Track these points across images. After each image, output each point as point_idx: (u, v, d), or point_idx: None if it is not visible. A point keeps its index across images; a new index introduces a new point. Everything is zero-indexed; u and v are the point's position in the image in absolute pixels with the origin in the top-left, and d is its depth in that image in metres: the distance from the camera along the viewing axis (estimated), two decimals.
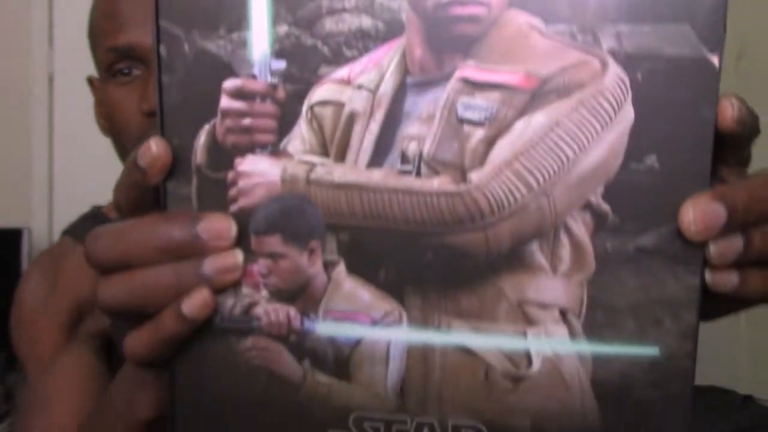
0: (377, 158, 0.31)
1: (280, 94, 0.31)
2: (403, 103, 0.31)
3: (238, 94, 0.31)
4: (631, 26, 0.28)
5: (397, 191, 0.31)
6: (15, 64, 2.97)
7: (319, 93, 0.31)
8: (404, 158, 0.31)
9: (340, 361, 0.33)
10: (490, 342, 0.31)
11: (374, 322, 0.32)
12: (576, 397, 0.31)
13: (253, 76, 0.31)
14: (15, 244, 2.77)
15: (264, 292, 0.33)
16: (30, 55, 2.97)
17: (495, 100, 0.30)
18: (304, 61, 0.31)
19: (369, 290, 0.32)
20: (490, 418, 0.32)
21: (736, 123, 0.28)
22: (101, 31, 0.78)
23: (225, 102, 0.31)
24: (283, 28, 0.31)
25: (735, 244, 0.29)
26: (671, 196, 0.29)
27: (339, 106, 0.31)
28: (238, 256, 0.32)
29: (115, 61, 0.75)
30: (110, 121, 0.78)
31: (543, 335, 0.31)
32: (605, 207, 0.30)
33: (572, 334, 0.31)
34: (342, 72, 0.31)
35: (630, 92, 0.29)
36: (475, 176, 0.30)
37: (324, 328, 0.33)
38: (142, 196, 0.33)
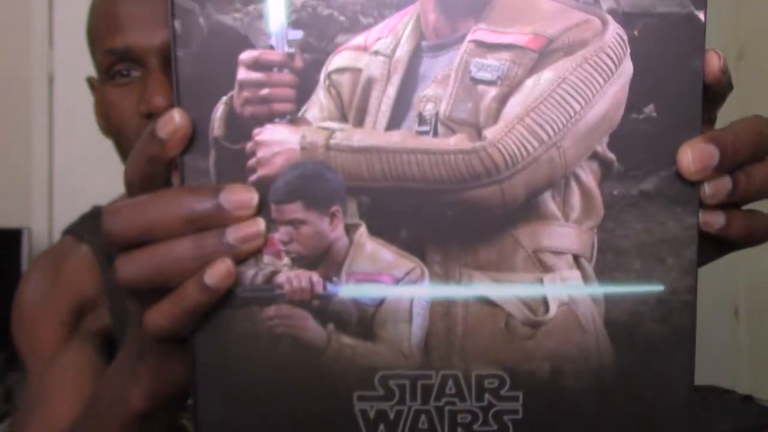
0: (395, 121, 0.33)
1: (298, 63, 0.32)
2: (419, 67, 0.32)
3: (255, 65, 0.32)
4: None
5: (415, 151, 0.32)
6: (15, 64, 2.95)
7: (337, 61, 0.32)
8: (421, 119, 0.32)
9: (364, 322, 0.34)
10: (509, 291, 0.33)
11: (397, 281, 0.33)
12: (591, 339, 0.33)
13: (271, 47, 0.32)
14: (15, 244, 2.75)
15: (286, 260, 0.33)
16: (30, 55, 2.94)
17: (506, 60, 0.32)
18: (320, 30, 0.32)
19: (390, 250, 0.33)
20: (511, 365, 0.33)
21: (722, 72, 0.32)
22: (99, 32, 0.78)
23: (242, 73, 0.32)
24: None
25: (725, 184, 0.32)
26: (669, 142, 0.32)
27: (356, 72, 0.33)
28: (261, 224, 0.33)
29: (113, 63, 0.75)
30: (109, 123, 0.78)
31: (558, 281, 0.33)
32: (611, 155, 0.32)
33: (585, 278, 0.33)
34: (358, 39, 0.32)
35: (628, 47, 0.31)
36: (489, 133, 0.32)
37: (347, 290, 0.33)
38: (156, 171, 0.33)
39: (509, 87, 0.32)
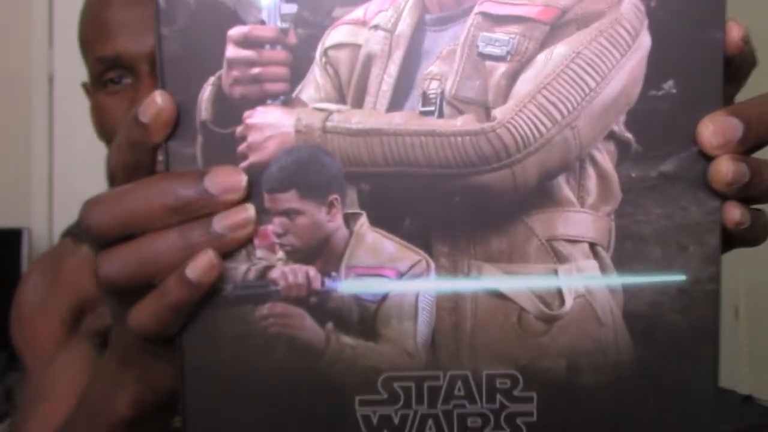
0: (397, 101, 0.30)
1: (292, 39, 0.30)
2: (422, 42, 0.30)
3: (245, 41, 0.30)
4: None
5: (419, 134, 0.30)
6: (15, 64, 2.94)
7: (334, 36, 0.30)
8: (425, 99, 0.30)
9: (366, 320, 0.31)
10: (522, 284, 0.31)
11: (401, 275, 0.31)
12: (609, 332, 0.31)
13: (262, 22, 0.30)
14: (15, 244, 2.75)
15: (280, 254, 0.31)
16: (30, 55, 2.94)
17: (515, 33, 0.30)
18: (316, 3, 0.30)
19: (394, 241, 0.31)
20: (525, 363, 0.31)
21: (743, 41, 0.30)
22: (89, 40, 0.77)
23: (231, 51, 0.30)
24: None
25: (743, 168, 0.30)
26: (689, 120, 0.30)
27: (355, 48, 0.30)
28: (250, 210, 0.30)
29: (104, 70, 0.74)
30: (102, 129, 0.78)
31: (574, 272, 0.31)
32: (628, 135, 0.30)
33: (602, 268, 0.31)
34: (357, 13, 0.30)
35: (646, 19, 0.29)
36: (499, 112, 0.30)
37: (347, 286, 0.31)
38: (141, 159, 0.31)
39: (519, 63, 0.30)
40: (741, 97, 0.33)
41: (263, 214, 0.31)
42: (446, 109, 0.30)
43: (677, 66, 0.30)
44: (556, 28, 0.29)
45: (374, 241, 0.31)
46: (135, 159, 0.31)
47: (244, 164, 0.30)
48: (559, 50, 0.29)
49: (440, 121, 0.30)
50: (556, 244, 0.31)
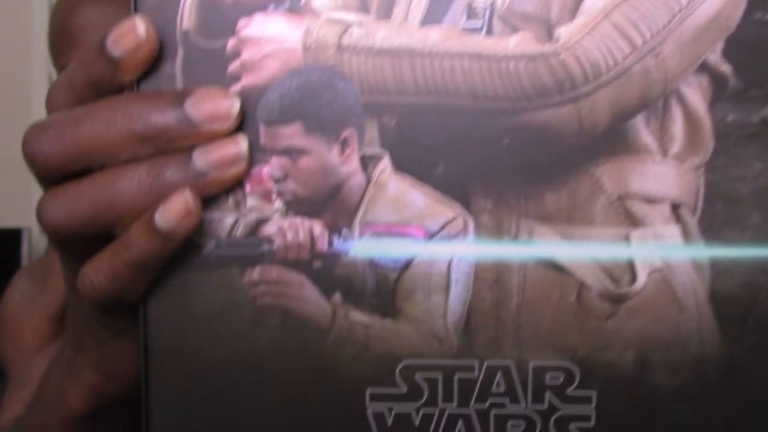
0: (434, 13, 0.24)
1: None
2: None
3: None
4: None
5: (461, 56, 0.24)
6: (15, 64, 2.81)
7: None
8: (471, 11, 0.24)
9: (384, 291, 0.25)
10: (584, 252, 0.24)
11: (430, 236, 0.24)
12: (692, 319, 0.25)
13: None
14: (15, 244, 2.61)
15: (278, 204, 0.24)
16: (30, 55, 2.80)
17: None
18: None
19: (423, 192, 0.24)
20: (584, 353, 0.25)
21: None
22: (57, 48, 0.70)
23: None
24: None
25: None
26: None
27: None
28: (242, 144, 0.24)
29: None
30: None
31: (651, 239, 0.24)
32: (726, 68, 0.24)
33: (687, 236, 0.24)
34: None
35: None
36: (564, 32, 0.24)
37: (361, 247, 0.24)
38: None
39: None
40: None
41: (258, 152, 0.24)
42: (497, 25, 0.24)
43: None
44: None
45: (398, 192, 0.24)
46: (91, 99, 0.24)
47: (236, 87, 0.24)
48: None
49: (489, 41, 0.24)
50: (629, 203, 0.24)
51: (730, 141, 0.24)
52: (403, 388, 0.25)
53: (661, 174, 0.24)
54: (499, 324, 0.25)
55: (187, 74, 0.24)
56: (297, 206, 0.24)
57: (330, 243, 0.25)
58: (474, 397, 0.25)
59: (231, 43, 0.24)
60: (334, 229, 0.25)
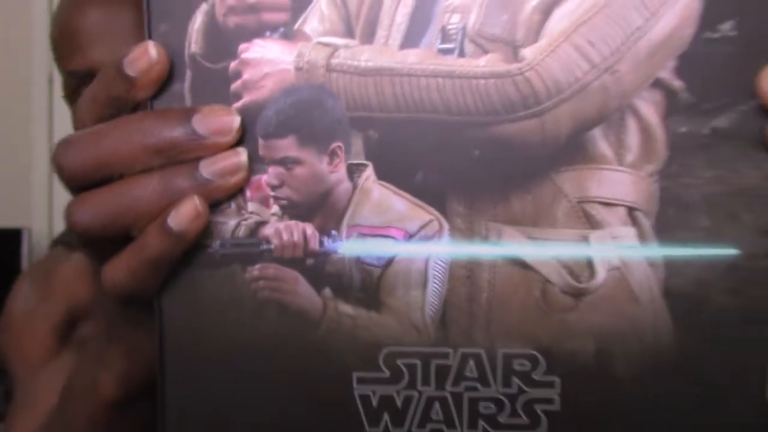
0: (413, 37, 0.27)
1: None
2: None
3: None
4: None
5: (437, 74, 0.26)
6: (15, 64, 2.90)
7: None
8: (445, 35, 0.26)
9: (369, 287, 0.27)
10: (547, 251, 0.27)
11: (409, 236, 0.27)
12: (647, 312, 0.27)
13: None
14: (15, 244, 2.71)
15: (274, 208, 0.28)
16: (30, 55, 2.88)
17: None
18: None
19: (403, 198, 0.27)
20: (548, 343, 0.27)
21: None
22: (60, 52, 0.72)
23: None
24: None
25: None
26: (750, 68, 0.26)
27: None
28: (243, 155, 0.27)
29: (78, 85, 0.68)
30: None
31: (608, 239, 0.27)
32: (678, 83, 0.26)
33: (642, 237, 0.27)
34: None
35: None
36: (528, 52, 0.26)
37: (348, 247, 0.27)
38: (118, 116, 0.27)
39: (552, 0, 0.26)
40: None
41: (257, 162, 0.27)
42: (468, 47, 0.26)
43: (739, 4, 0.26)
44: None
45: (381, 197, 0.27)
46: (112, 116, 0.27)
47: (237, 104, 0.27)
48: None
49: (461, 61, 0.26)
50: (588, 206, 0.27)
51: (682, 151, 0.27)
52: (386, 373, 0.28)
53: (618, 180, 0.27)
54: (472, 316, 0.27)
55: (194, 93, 0.27)
56: (291, 210, 0.27)
57: (321, 243, 0.28)
58: (449, 381, 0.28)
59: (233, 65, 0.27)
60: (324, 231, 0.27)
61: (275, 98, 0.27)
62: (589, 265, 0.27)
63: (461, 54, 0.26)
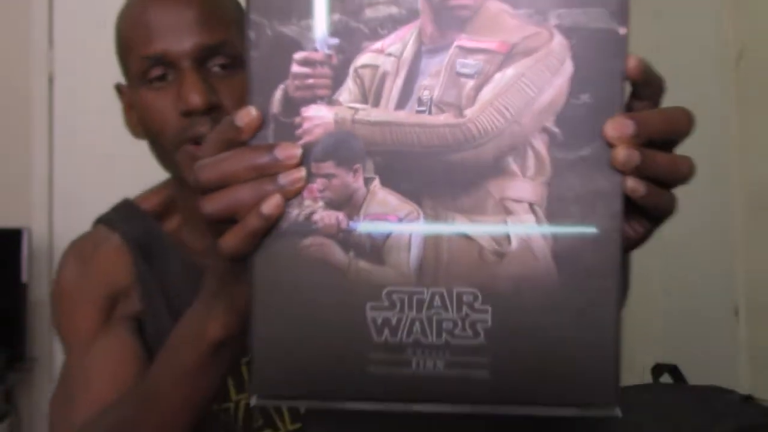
0: (401, 103, 0.45)
1: (334, 61, 0.45)
2: (419, 65, 0.45)
3: (304, 62, 0.46)
4: (568, 10, 0.44)
5: (414, 125, 0.45)
6: (15, 64, 2.94)
7: (361, 59, 0.45)
8: (420, 102, 0.45)
9: (376, 250, 0.46)
10: (482, 229, 0.45)
11: (400, 220, 0.46)
12: (542, 266, 0.45)
13: (315, 50, 0.45)
14: (15, 244, 2.75)
15: (320, 203, 0.46)
16: (30, 55, 2.94)
17: (481, 60, 0.44)
18: (350, 38, 0.45)
19: (396, 197, 0.45)
20: (483, 284, 0.45)
21: (640, 70, 0.43)
22: (132, 41, 0.86)
23: (295, 68, 0.46)
24: (336, 16, 0.45)
25: (635, 155, 0.43)
26: (599, 120, 0.44)
27: (375, 68, 0.46)
28: (303, 171, 0.45)
29: (149, 68, 0.84)
30: (146, 124, 0.87)
31: (518, 222, 0.45)
32: (556, 129, 0.44)
33: (538, 220, 0.45)
34: (377, 45, 0.45)
35: (569, 52, 0.44)
36: (468, 112, 0.44)
37: (364, 226, 0.46)
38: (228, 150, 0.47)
39: (483, 79, 0.44)
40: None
41: (310, 176, 0.46)
42: (434, 110, 0.45)
43: (591, 84, 0.44)
44: (508, 57, 0.44)
45: (383, 197, 0.46)
46: (227, 149, 0.47)
47: (300, 142, 0.46)
48: (510, 72, 0.44)
49: (429, 117, 0.45)
50: (506, 203, 0.45)
51: (560, 168, 0.44)
52: (387, 303, 0.46)
53: (523, 187, 0.45)
54: (437, 269, 0.45)
55: (275, 136, 0.46)
56: (330, 204, 0.46)
57: (347, 224, 0.46)
58: (424, 308, 0.46)
59: (297, 119, 0.46)
60: (349, 217, 0.46)
61: (322, 139, 0.46)
62: (507, 237, 0.45)
63: (430, 113, 0.45)
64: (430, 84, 0.45)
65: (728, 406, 0.67)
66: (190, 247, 0.95)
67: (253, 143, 0.47)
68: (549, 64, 0.44)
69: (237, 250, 0.46)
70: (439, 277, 0.45)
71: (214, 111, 0.82)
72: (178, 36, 0.83)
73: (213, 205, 0.46)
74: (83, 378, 0.86)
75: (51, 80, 2.94)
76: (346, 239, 0.46)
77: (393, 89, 0.45)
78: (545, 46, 0.44)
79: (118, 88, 0.95)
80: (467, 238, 0.45)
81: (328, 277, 0.46)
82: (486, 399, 0.45)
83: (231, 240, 0.46)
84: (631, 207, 0.45)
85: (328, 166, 0.46)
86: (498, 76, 0.44)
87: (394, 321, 0.46)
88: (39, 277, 2.98)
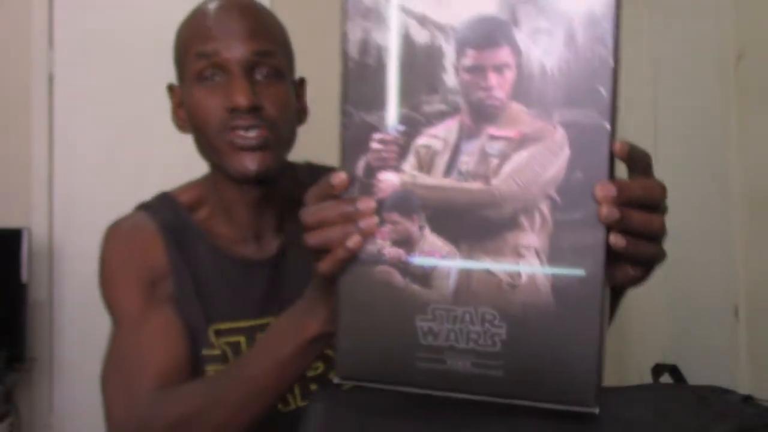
0: (447, 173, 0.63)
1: (401, 141, 0.64)
2: (460, 146, 0.63)
3: (380, 141, 0.64)
4: (567, 110, 0.59)
5: (455, 189, 0.62)
6: (15, 64, 2.94)
7: (420, 140, 0.63)
8: (460, 173, 0.62)
9: (425, 277, 0.64)
10: (501, 267, 0.62)
11: (443, 257, 0.63)
12: (543, 297, 0.60)
13: (388, 133, 0.64)
14: (15, 244, 2.73)
15: (388, 242, 0.65)
16: (30, 55, 2.94)
17: (503, 144, 0.61)
18: (412, 125, 0.63)
19: (440, 240, 0.63)
20: (500, 306, 0.62)
21: (622, 150, 0.58)
22: (190, 43, 0.99)
23: (374, 145, 0.64)
24: (403, 110, 0.64)
25: (615, 212, 0.58)
26: (589, 191, 0.59)
27: (429, 147, 0.63)
28: (376, 218, 0.64)
29: (203, 67, 0.97)
30: (194, 117, 1.00)
31: (527, 263, 0.61)
32: (556, 197, 0.60)
33: (541, 263, 0.61)
34: (431, 130, 0.63)
35: (567, 140, 0.59)
36: (494, 182, 0.61)
37: (417, 260, 0.64)
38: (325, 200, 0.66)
39: (505, 158, 0.61)
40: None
41: (381, 222, 0.65)
42: (469, 179, 0.62)
43: (584, 164, 0.59)
44: (523, 143, 0.60)
45: (431, 239, 0.63)
46: (324, 201, 0.66)
47: (375, 197, 0.65)
48: (524, 154, 0.60)
49: (466, 184, 0.62)
50: (518, 248, 0.61)
51: (559, 225, 0.60)
52: (431, 317, 0.63)
53: (531, 238, 0.61)
54: (468, 293, 0.62)
55: (359, 192, 0.65)
56: (394, 243, 0.64)
57: (406, 258, 0.64)
58: (457, 322, 0.63)
59: (374, 181, 0.65)
60: (408, 253, 0.64)
61: (390, 196, 0.64)
62: (519, 274, 0.61)
63: (466, 181, 0.62)
64: (467, 160, 0.62)
65: (728, 406, 0.69)
66: (218, 235, 1.07)
67: (344, 197, 0.66)
68: (552, 149, 0.60)
69: (329, 272, 0.66)
70: (469, 300, 0.62)
71: (254, 111, 0.98)
72: (233, 42, 0.97)
73: (314, 239, 0.66)
74: (140, 354, 0.95)
75: (51, 80, 2.96)
76: (404, 268, 0.64)
77: (441, 163, 0.63)
78: (550, 136, 0.60)
79: (170, 88, 1.08)
80: (490, 272, 0.62)
81: (390, 295, 0.65)
82: (499, 393, 0.62)
83: (325, 265, 0.66)
84: (626, 256, 0.60)
85: (394, 216, 0.64)
86: (515, 156, 0.61)
87: (435, 329, 0.63)
88: (39, 277, 2.99)
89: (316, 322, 0.76)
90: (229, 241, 1.09)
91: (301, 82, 1.13)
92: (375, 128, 0.65)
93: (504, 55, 0.60)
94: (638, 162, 0.61)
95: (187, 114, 1.04)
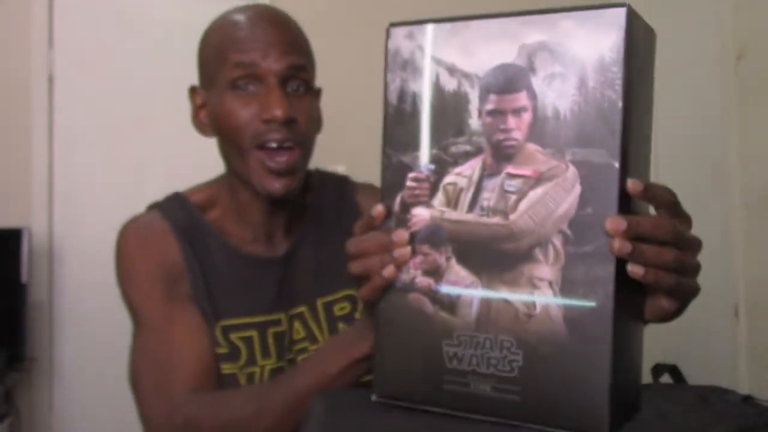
0: (471, 208, 0.68)
1: (431, 179, 0.70)
2: (482, 183, 0.68)
3: (414, 179, 0.71)
4: (579, 149, 0.63)
5: (478, 224, 0.67)
6: (15, 64, 2.94)
7: (448, 179, 0.69)
8: (482, 209, 0.67)
9: (451, 305, 0.68)
10: (518, 297, 0.65)
11: (467, 286, 0.68)
12: (557, 326, 0.64)
13: (421, 172, 0.70)
14: (15, 244, 2.72)
15: (419, 271, 0.70)
16: (30, 55, 2.94)
17: (520, 182, 0.65)
18: (441, 165, 0.69)
19: (465, 271, 0.68)
20: (517, 335, 0.65)
21: (634, 189, 0.61)
22: (226, 50, 1.01)
23: (408, 182, 0.71)
24: (434, 151, 0.70)
25: (627, 246, 0.60)
26: (599, 226, 0.62)
27: (455, 185, 0.69)
28: (409, 249, 0.70)
29: (240, 77, 0.99)
30: (225, 123, 1.01)
31: (541, 295, 0.64)
32: (569, 231, 0.63)
33: (555, 294, 0.64)
34: (458, 169, 0.69)
35: (579, 178, 0.63)
36: (512, 217, 0.66)
37: (444, 289, 0.69)
38: (369, 229, 0.73)
39: (522, 195, 0.65)
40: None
41: (414, 253, 0.70)
42: (490, 214, 0.67)
43: (595, 200, 0.62)
44: (538, 181, 0.64)
45: (457, 270, 0.68)
46: (367, 229, 0.73)
47: (408, 230, 0.71)
48: (539, 191, 0.64)
49: (487, 219, 0.67)
50: (533, 280, 0.65)
51: (571, 259, 0.63)
52: (456, 342, 0.68)
53: (545, 270, 0.64)
54: (488, 321, 0.66)
55: (395, 225, 0.72)
56: (425, 273, 0.70)
57: (435, 287, 0.69)
58: (479, 347, 0.67)
59: (408, 215, 0.71)
60: (436, 282, 0.69)
61: (422, 229, 0.70)
62: (534, 304, 0.65)
63: (487, 216, 0.67)
64: (489, 197, 0.67)
65: (728, 406, 0.69)
66: (230, 234, 1.09)
67: (383, 228, 0.72)
68: (565, 186, 0.63)
69: (369, 298, 0.72)
70: (489, 327, 0.67)
71: (288, 123, 1.01)
72: (272, 54, 0.99)
73: (355, 267, 0.73)
74: (171, 355, 0.97)
75: (51, 80, 2.95)
76: (433, 296, 0.69)
77: (466, 199, 0.68)
78: (563, 174, 0.64)
79: (192, 90, 1.09)
80: (508, 302, 0.66)
81: (422, 320, 0.70)
82: (516, 417, 0.65)
83: (365, 291, 0.72)
84: (652, 288, 0.63)
85: (425, 248, 0.70)
86: (531, 193, 0.65)
87: (459, 354, 0.68)
88: (39, 277, 2.97)
89: (364, 344, 0.83)
90: (240, 240, 1.11)
91: (318, 93, 1.14)
92: (410, 168, 0.71)
93: (521, 99, 0.65)
94: (659, 199, 0.63)
95: (212, 119, 1.05)
